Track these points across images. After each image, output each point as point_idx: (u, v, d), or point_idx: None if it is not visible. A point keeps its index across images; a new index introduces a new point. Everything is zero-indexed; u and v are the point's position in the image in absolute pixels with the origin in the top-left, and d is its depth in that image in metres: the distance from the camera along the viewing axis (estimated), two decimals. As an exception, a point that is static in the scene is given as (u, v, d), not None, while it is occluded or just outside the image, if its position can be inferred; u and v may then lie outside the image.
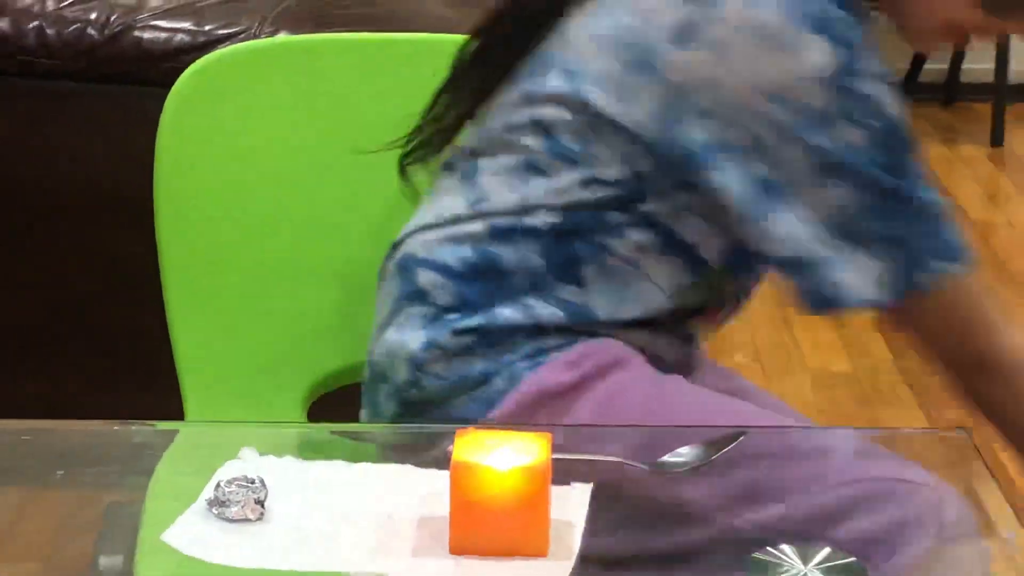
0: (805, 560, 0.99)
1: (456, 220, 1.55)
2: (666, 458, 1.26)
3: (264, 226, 1.71)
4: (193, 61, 1.71)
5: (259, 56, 1.83)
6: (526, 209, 1.51)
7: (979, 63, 4.46)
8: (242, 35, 2.31)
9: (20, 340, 2.45)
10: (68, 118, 2.39)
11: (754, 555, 1.00)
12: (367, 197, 1.74)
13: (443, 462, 1.13)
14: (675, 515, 1.29)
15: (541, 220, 1.49)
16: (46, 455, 1.39)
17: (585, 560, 1.12)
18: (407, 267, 1.56)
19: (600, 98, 1.44)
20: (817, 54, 1.39)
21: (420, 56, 1.80)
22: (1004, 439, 1.51)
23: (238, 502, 1.15)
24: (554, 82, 1.50)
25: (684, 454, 1.27)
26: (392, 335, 1.55)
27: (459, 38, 1.91)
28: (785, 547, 1.00)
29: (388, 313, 1.57)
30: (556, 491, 1.13)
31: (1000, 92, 4.34)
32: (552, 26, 1.53)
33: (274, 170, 1.72)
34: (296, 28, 2.29)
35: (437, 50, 1.79)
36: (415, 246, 1.57)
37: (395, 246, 1.61)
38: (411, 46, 1.84)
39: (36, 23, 2.34)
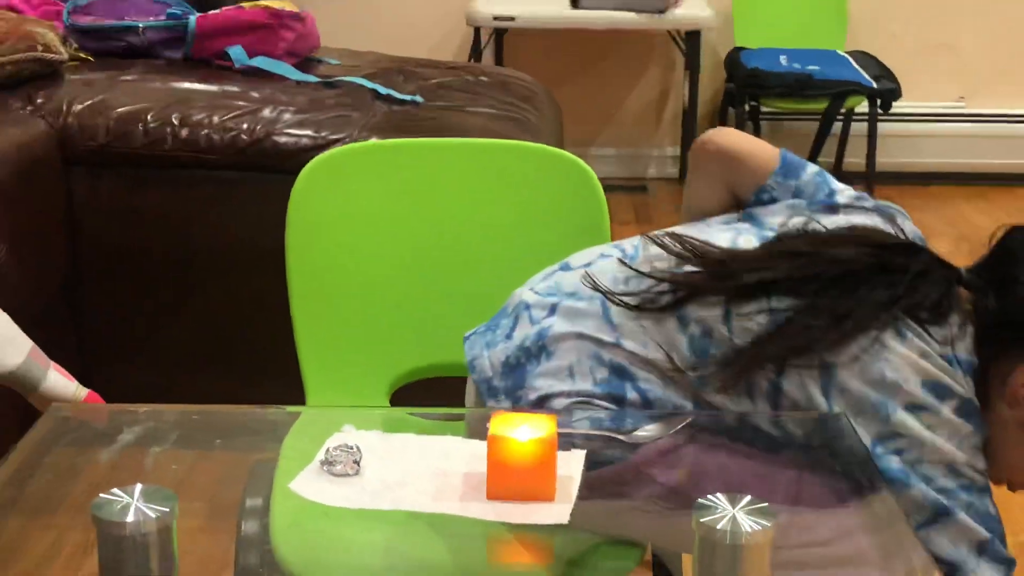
0: (733, 505, 0.98)
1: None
2: (638, 432, 1.26)
3: (361, 270, 1.70)
4: (313, 157, 1.71)
5: (358, 154, 1.83)
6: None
7: (855, 157, 4.45)
8: (346, 139, 2.32)
9: (194, 353, 2.47)
10: (227, 196, 2.41)
11: (698, 500, 0.99)
12: (435, 246, 1.73)
13: (483, 435, 1.13)
14: (643, 474, 1.28)
15: None
16: (211, 429, 1.40)
17: (580, 502, 1.12)
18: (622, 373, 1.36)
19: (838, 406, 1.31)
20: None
21: (471, 155, 1.81)
22: None
23: (341, 462, 1.16)
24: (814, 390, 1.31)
25: (650, 429, 1.27)
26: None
27: (499, 143, 1.92)
28: (719, 495, 0.99)
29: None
30: (560, 455, 1.13)
31: (870, 177, 4.32)
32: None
33: (368, 231, 1.71)
34: (383, 134, 2.30)
35: (482, 151, 1.82)
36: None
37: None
38: (465, 148, 1.85)
39: (206, 131, 2.37)
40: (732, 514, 0.96)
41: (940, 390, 1.30)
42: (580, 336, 1.38)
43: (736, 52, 4.29)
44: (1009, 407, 1.34)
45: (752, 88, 4.22)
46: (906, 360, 1.29)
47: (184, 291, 2.45)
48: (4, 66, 2.45)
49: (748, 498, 0.99)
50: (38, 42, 2.50)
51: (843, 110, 4.46)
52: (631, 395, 1.34)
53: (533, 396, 1.37)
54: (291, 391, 1.65)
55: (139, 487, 0.97)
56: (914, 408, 1.28)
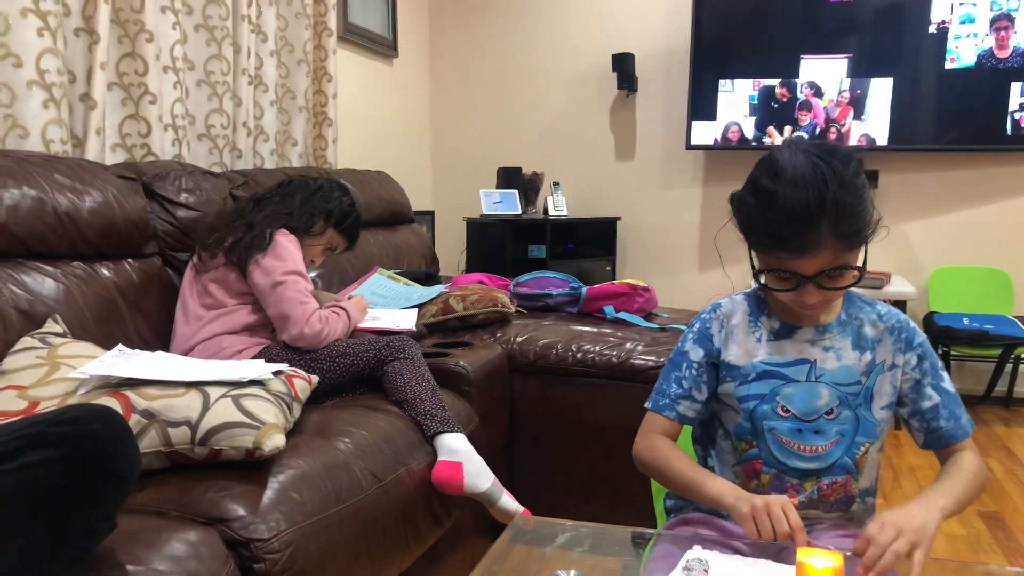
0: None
1: None
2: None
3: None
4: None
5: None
6: None
7: (1022, 388, 3.88)
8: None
9: (581, 487, 2.44)
10: (603, 393, 2.39)
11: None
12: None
13: (792, 561, 1.04)
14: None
15: None
16: (603, 539, 1.35)
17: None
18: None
19: None
20: None
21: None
22: None
23: (696, 570, 1.09)
24: None
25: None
26: None
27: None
28: None
29: None
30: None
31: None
32: None
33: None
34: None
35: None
36: None
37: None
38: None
39: (591, 355, 2.40)
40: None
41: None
42: None
43: (931, 315, 3.93)
44: None
45: (944, 339, 3.82)
46: None
47: (576, 449, 2.44)
48: (479, 315, 2.66)
49: None
50: (498, 302, 2.69)
51: (1012, 356, 3.95)
52: None
53: None
54: (643, 518, 1.58)
55: (572, 571, 0.98)
56: None
